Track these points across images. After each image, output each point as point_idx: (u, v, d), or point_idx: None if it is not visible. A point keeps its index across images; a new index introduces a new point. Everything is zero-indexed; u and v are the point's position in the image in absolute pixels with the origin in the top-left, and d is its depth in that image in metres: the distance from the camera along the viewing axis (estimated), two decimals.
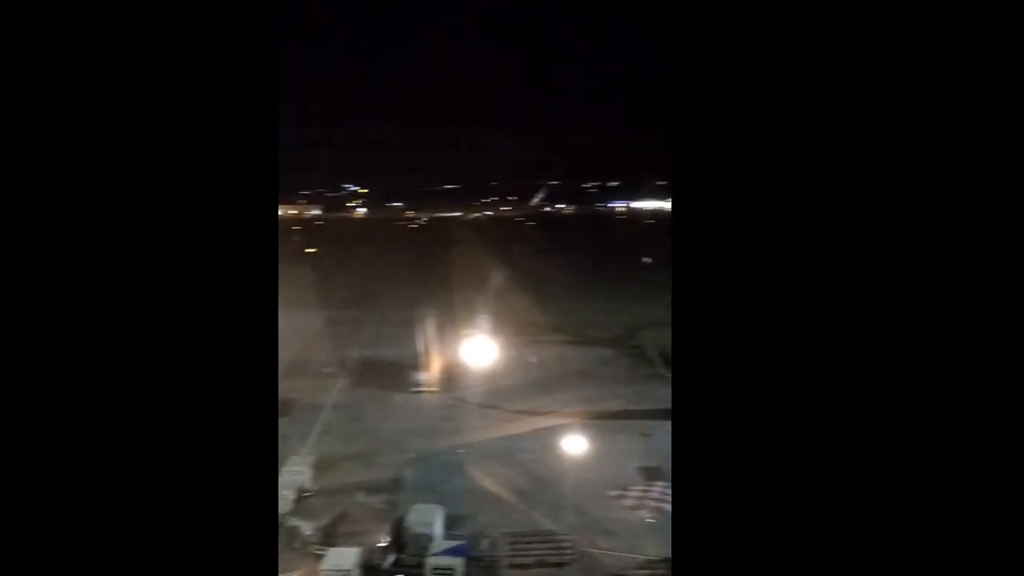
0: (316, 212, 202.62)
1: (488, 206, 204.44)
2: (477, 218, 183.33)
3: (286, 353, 56.06)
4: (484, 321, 52.95)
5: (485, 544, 25.23)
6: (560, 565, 24.32)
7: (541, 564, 24.29)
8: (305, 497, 28.59)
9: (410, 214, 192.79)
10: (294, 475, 29.33)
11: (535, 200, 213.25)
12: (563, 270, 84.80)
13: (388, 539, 25.03)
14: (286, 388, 43.89)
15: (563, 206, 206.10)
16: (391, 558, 24.53)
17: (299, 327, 59.47)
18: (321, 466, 31.22)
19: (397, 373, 45.60)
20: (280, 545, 25.03)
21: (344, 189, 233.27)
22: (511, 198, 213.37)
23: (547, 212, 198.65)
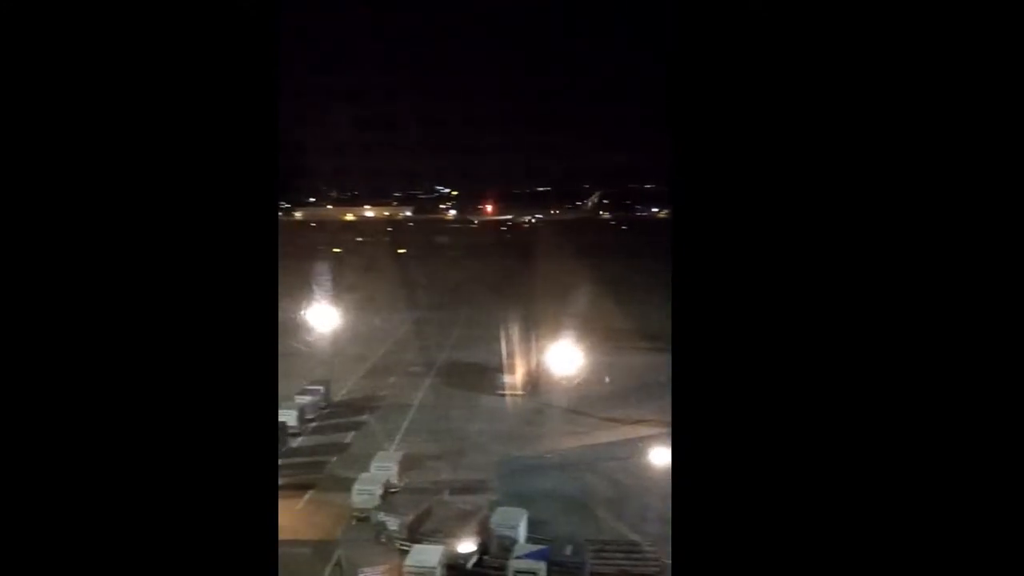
0: (407, 213, 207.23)
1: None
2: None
3: (375, 352, 57.59)
4: (570, 326, 52.70)
5: (568, 550, 25.01)
6: None
7: (624, 574, 23.89)
8: (391, 493, 29.06)
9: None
10: (381, 471, 29.88)
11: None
12: (653, 276, 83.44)
13: (472, 539, 25.15)
14: (375, 386, 45.08)
15: (656, 210, 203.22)
16: (474, 558, 24.65)
17: (388, 327, 60.88)
18: (407, 464, 31.69)
19: (483, 375, 45.94)
20: (366, 539, 25.57)
21: (436, 191, 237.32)
22: (605, 201, 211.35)
23: (640, 215, 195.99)
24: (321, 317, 52.74)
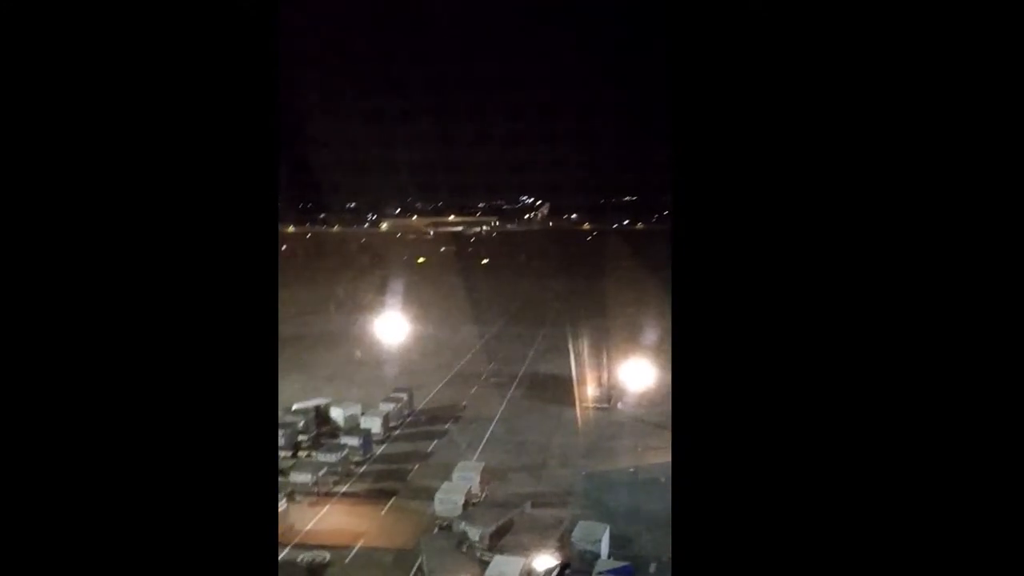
0: (495, 223, 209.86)
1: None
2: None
3: (457, 362, 58.07)
4: (651, 337, 51.90)
5: (652, 568, 24.42)
6: None
7: None
8: (473, 504, 29.09)
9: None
10: (463, 481, 29.98)
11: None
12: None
13: (553, 553, 24.87)
14: (457, 396, 45.42)
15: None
16: (555, 572, 24.35)
17: (472, 337, 61.34)
18: (489, 474, 31.67)
19: (566, 387, 45.60)
20: (447, 548, 25.64)
21: (521, 201, 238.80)
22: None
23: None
24: (404, 326, 53.63)
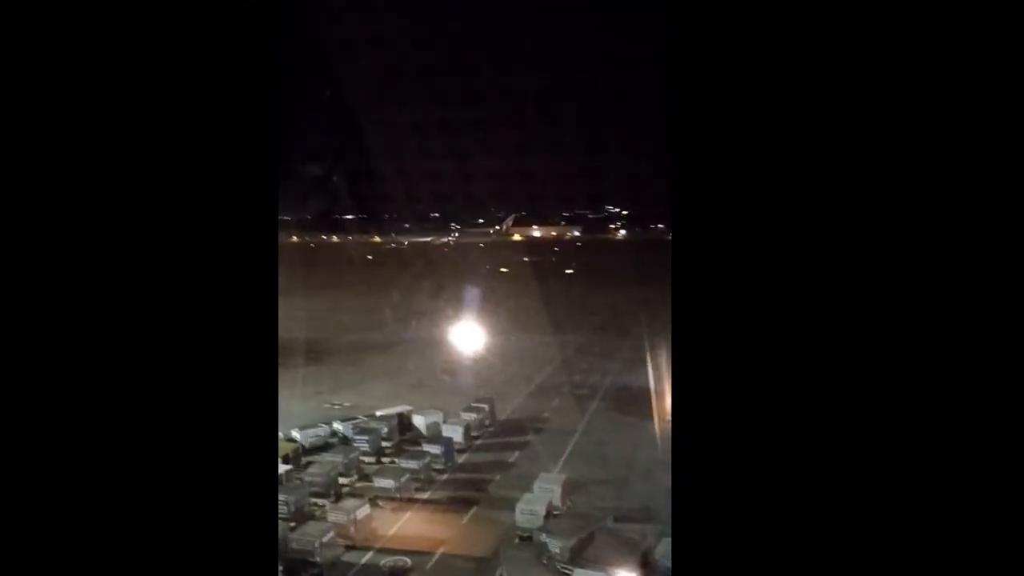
0: (576, 233, 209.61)
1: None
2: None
3: (539, 373, 57.83)
4: None
5: None
6: None
7: None
8: (554, 515, 28.88)
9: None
10: (544, 492, 29.79)
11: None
12: None
13: (635, 569, 24.40)
14: (539, 407, 45.30)
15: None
16: None
17: (555, 347, 61.15)
18: (571, 487, 31.39)
19: (652, 401, 44.83)
20: (527, 559, 25.52)
21: (606, 211, 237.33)
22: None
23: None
24: (486, 337, 53.94)
